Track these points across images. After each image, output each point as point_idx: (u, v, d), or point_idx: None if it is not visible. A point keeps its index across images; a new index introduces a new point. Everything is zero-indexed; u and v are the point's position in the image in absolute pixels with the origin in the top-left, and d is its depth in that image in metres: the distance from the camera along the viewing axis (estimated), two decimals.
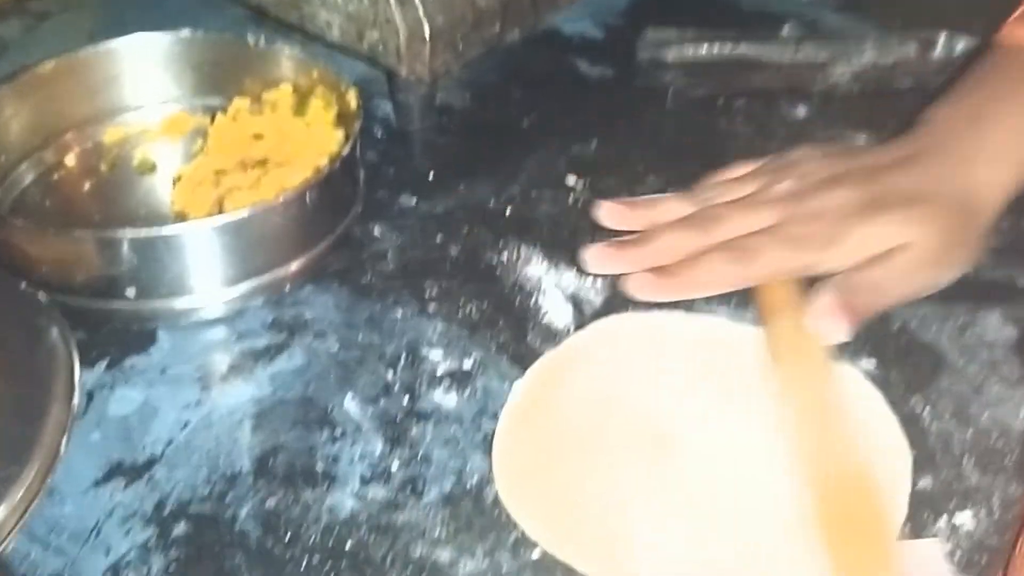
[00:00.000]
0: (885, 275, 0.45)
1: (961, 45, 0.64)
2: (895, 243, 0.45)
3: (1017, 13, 0.52)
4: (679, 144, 0.59)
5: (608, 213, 0.50)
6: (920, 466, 0.41)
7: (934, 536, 0.38)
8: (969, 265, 0.47)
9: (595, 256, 0.48)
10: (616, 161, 0.57)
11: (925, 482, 0.40)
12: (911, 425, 0.43)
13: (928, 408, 0.43)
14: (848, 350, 0.45)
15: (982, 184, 0.47)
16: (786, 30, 0.71)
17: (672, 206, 0.50)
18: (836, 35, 0.69)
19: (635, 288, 0.46)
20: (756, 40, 0.67)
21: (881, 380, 0.45)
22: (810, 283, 0.46)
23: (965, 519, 0.39)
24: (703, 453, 0.41)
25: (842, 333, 0.44)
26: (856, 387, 0.44)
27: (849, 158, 0.50)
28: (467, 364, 0.45)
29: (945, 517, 0.39)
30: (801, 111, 0.62)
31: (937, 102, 0.51)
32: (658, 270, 0.46)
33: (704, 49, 0.67)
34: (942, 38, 0.65)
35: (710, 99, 0.63)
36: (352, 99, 0.52)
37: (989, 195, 0.47)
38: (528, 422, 0.43)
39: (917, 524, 0.39)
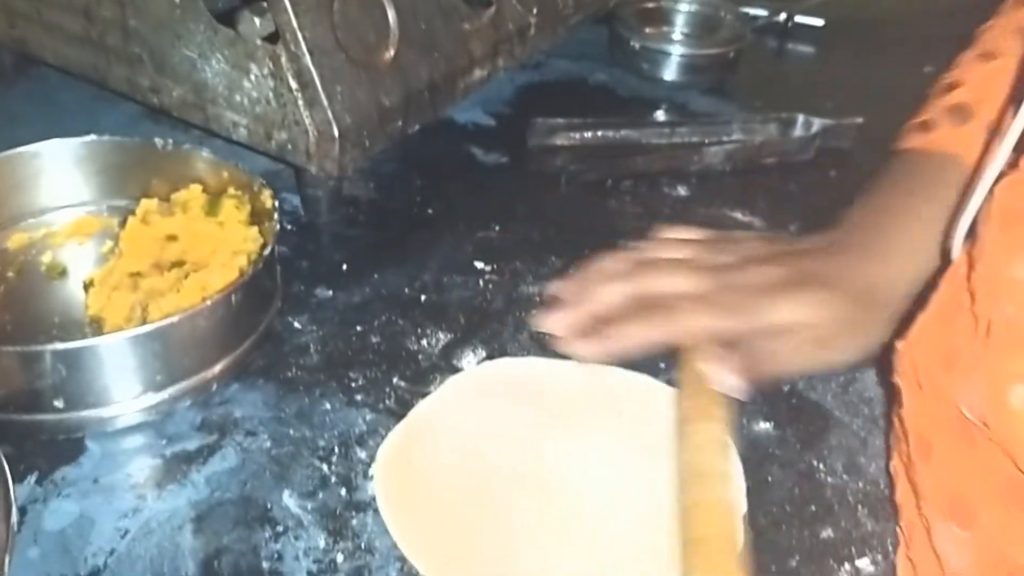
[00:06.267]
0: (783, 347, 0.50)
1: (816, 126, 0.71)
2: (801, 319, 0.50)
3: (916, 120, 0.58)
4: (575, 225, 0.63)
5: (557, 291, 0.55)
6: (821, 518, 0.45)
7: None
8: (868, 352, 0.51)
9: (547, 321, 0.52)
10: (519, 245, 0.61)
11: (827, 532, 0.45)
12: (809, 479, 0.47)
13: (822, 464, 0.48)
14: (745, 412, 0.50)
15: (886, 278, 0.51)
16: (660, 114, 0.77)
17: (609, 266, 0.54)
18: (705, 118, 0.76)
19: (568, 348, 0.51)
20: (635, 125, 0.72)
21: (778, 440, 0.49)
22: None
23: (864, 564, 0.43)
24: (579, 485, 0.46)
25: (738, 391, 0.49)
26: None
27: (781, 243, 0.55)
28: None
29: (847, 564, 0.43)
30: (682, 190, 0.67)
31: (854, 203, 0.56)
32: (590, 332, 0.51)
33: (589, 134, 0.71)
34: (800, 120, 0.72)
35: (599, 182, 0.67)
36: (267, 199, 0.53)
37: (892, 289, 0.51)
38: (408, 456, 0.46)
39: (823, 571, 0.43)
